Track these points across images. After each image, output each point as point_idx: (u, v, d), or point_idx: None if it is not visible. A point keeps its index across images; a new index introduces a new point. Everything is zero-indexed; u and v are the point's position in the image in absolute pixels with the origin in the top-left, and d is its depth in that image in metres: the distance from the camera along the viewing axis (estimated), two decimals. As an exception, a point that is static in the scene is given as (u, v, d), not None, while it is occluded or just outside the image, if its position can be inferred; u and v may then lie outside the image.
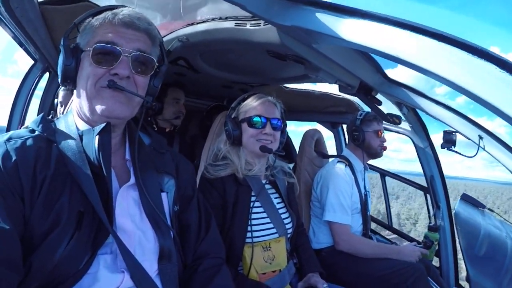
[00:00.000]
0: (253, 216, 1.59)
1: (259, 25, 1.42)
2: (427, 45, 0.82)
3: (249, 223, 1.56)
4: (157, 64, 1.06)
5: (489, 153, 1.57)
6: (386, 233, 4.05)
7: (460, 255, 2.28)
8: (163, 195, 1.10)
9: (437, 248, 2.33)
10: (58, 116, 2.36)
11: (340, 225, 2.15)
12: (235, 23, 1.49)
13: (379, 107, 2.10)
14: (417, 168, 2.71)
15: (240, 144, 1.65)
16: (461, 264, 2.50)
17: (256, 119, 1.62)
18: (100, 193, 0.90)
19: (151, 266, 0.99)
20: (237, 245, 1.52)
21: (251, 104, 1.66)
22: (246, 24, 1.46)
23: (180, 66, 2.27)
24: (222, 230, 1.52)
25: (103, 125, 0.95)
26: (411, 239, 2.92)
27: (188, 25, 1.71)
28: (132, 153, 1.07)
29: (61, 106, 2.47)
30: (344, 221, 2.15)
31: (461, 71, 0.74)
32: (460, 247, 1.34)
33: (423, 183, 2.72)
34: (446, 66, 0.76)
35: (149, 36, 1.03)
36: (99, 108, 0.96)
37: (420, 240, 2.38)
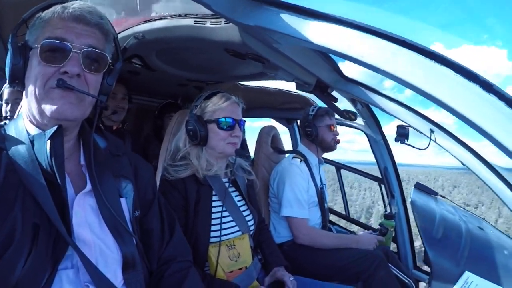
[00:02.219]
0: (216, 215, 1.58)
1: (220, 23, 1.40)
2: (386, 48, 0.86)
3: (212, 223, 1.56)
4: (110, 61, 1.00)
5: (439, 145, 1.69)
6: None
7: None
8: (122, 200, 1.04)
9: (393, 234, 2.46)
10: (4, 115, 2.18)
11: (298, 220, 2.20)
12: (195, 21, 1.46)
13: (335, 103, 2.18)
14: (372, 157, 2.84)
15: (204, 144, 1.62)
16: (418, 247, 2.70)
17: (226, 121, 1.60)
18: (55, 203, 0.84)
19: (115, 277, 0.94)
20: (202, 246, 1.51)
21: (219, 105, 1.62)
22: (206, 22, 1.44)
23: (134, 64, 2.19)
24: (185, 231, 1.50)
25: (55, 128, 0.89)
26: (368, 228, 3.06)
27: (145, 21, 1.65)
28: (87, 157, 1.00)
29: (7, 105, 2.28)
30: (301, 215, 2.20)
31: (420, 75, 0.78)
32: (419, 232, 1.43)
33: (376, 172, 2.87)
34: (406, 70, 0.81)
35: (101, 31, 0.96)
36: (48, 109, 0.89)
37: (376, 228, 2.50)
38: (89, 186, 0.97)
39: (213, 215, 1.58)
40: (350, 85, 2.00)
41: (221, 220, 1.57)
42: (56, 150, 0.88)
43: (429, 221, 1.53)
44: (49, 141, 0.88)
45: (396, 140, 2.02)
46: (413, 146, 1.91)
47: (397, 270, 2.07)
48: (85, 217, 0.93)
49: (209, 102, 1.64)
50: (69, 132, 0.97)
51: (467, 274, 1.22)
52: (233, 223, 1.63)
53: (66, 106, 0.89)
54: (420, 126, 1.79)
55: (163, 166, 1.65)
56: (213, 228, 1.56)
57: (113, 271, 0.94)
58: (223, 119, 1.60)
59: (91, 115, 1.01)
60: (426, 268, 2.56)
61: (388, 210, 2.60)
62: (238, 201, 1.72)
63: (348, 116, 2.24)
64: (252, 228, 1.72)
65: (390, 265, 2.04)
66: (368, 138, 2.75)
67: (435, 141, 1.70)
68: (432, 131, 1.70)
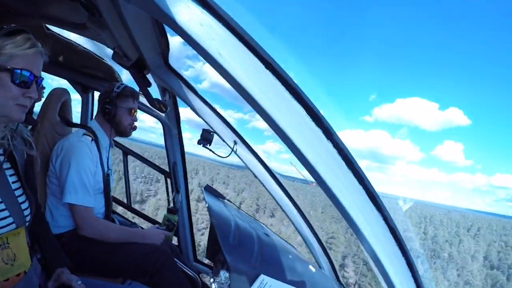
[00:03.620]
0: None
1: None
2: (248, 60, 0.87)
3: None
4: None
5: (239, 157, 1.89)
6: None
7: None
8: None
9: (175, 228, 2.51)
10: None
11: (83, 208, 1.92)
12: None
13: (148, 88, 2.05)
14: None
15: None
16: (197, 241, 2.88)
17: (25, 74, 1.15)
18: None
19: None
20: None
21: (23, 49, 1.16)
22: None
23: None
24: None
25: None
26: (151, 220, 3.00)
27: None
28: None
29: None
30: (87, 204, 1.93)
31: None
32: (218, 237, 1.52)
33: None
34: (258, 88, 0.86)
35: None
36: None
37: (161, 222, 2.50)
38: None
39: None
40: (170, 75, 1.94)
41: None
42: None
43: (225, 226, 1.67)
44: None
45: (199, 143, 2.08)
46: (214, 152, 2.03)
47: (182, 264, 2.13)
48: None
49: (9, 41, 1.15)
50: None
51: (262, 276, 1.42)
52: (7, 213, 1.20)
53: None
54: (226, 136, 1.93)
55: None
56: None
57: None
58: (22, 71, 1.15)
59: None
60: (206, 261, 2.77)
61: (172, 205, 2.65)
62: (13, 182, 1.28)
63: (159, 106, 2.14)
64: (28, 219, 1.31)
65: (176, 259, 2.08)
66: (164, 131, 2.73)
67: (235, 152, 1.88)
68: (235, 142, 1.88)
